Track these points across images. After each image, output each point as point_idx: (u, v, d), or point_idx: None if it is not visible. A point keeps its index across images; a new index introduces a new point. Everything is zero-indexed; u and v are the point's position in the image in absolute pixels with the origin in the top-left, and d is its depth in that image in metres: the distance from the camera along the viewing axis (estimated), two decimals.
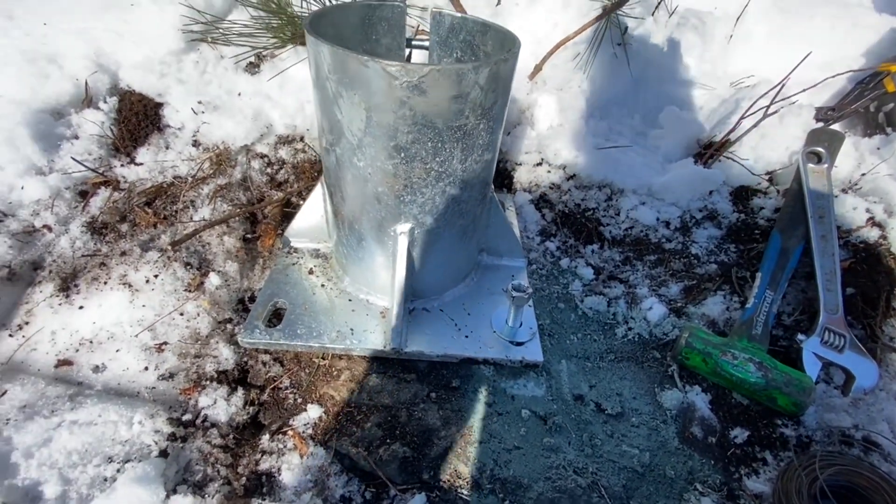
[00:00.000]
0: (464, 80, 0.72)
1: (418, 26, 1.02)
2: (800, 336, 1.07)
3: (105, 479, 0.77)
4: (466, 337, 1.01)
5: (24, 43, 1.16)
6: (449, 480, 0.85)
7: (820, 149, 1.26)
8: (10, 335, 0.97)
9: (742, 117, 1.36)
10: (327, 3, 1.37)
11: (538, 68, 1.50)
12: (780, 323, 1.15)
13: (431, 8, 1.00)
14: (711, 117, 1.54)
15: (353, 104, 0.75)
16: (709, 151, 1.40)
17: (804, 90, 1.41)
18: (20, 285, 1.03)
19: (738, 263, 1.26)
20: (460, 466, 0.86)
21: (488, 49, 0.97)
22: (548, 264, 1.32)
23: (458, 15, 0.98)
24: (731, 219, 1.35)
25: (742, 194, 1.39)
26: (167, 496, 0.75)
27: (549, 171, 1.47)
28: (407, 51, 1.09)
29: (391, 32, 1.03)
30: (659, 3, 1.76)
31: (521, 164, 1.51)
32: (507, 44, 0.89)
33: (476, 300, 1.11)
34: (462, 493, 0.83)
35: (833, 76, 1.50)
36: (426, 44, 1.06)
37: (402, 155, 0.80)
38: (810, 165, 1.24)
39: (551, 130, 1.41)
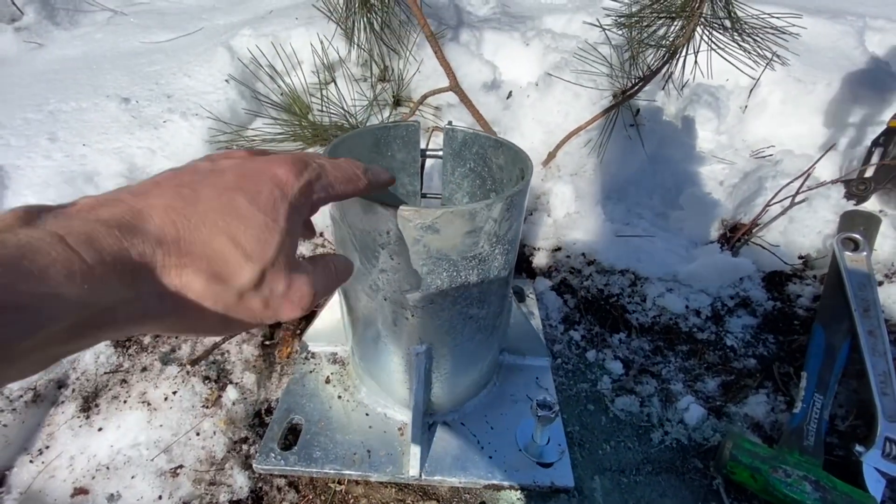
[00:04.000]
0: (477, 217, 0.71)
1: (431, 129, 1.05)
2: (858, 447, 0.97)
3: None
4: (490, 458, 0.96)
5: (63, 164, 1.24)
6: None
7: (856, 235, 1.20)
8: (31, 461, 0.97)
9: (768, 204, 1.32)
10: (343, 109, 1.44)
11: (551, 156, 1.52)
12: (833, 428, 1.06)
13: (444, 125, 1.02)
14: (734, 195, 1.50)
15: (366, 243, 0.76)
16: (735, 235, 1.36)
17: (833, 181, 1.37)
18: (44, 406, 1.04)
19: (779, 357, 1.18)
20: None
21: (500, 162, 0.98)
22: (573, 357, 1.27)
23: (471, 131, 1.00)
24: (766, 307, 1.28)
25: (776, 280, 1.33)
26: None
27: (568, 257, 1.44)
28: (420, 160, 1.11)
29: (406, 148, 1.05)
30: (667, 81, 1.78)
31: (539, 250, 1.49)
32: (518, 161, 0.90)
33: (499, 410, 1.06)
34: None
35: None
36: (440, 154, 1.08)
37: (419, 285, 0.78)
38: (847, 254, 1.18)
39: (567, 218, 1.40)
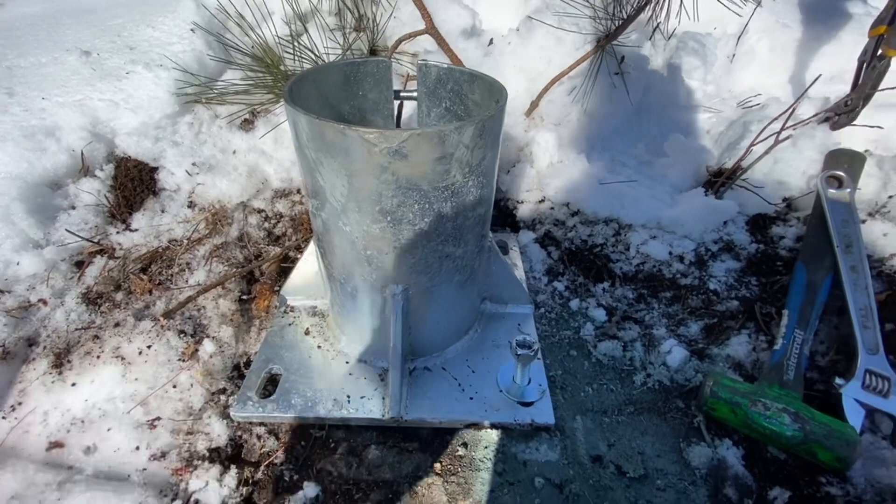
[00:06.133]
0: (447, 141, 0.68)
1: (407, 75, 1.00)
2: (838, 380, 0.98)
3: None
4: (471, 399, 0.95)
5: (22, 118, 1.18)
6: None
7: (840, 172, 1.18)
8: (4, 417, 0.95)
9: (752, 143, 1.29)
10: (318, 62, 1.38)
11: (534, 105, 1.47)
12: (814, 364, 1.06)
13: (418, 60, 0.98)
14: (720, 142, 1.48)
15: (333, 171, 0.72)
16: (720, 180, 1.34)
17: (817, 114, 1.34)
18: (14, 364, 1.01)
19: (761, 298, 1.18)
20: None
21: (476, 98, 0.94)
22: (557, 306, 1.26)
23: (445, 66, 0.96)
24: (749, 250, 1.27)
25: (759, 223, 1.31)
26: None
27: (552, 209, 1.42)
28: (396, 103, 1.07)
29: (378, 87, 1.01)
30: (655, 29, 1.72)
31: (522, 202, 1.46)
32: (494, 93, 0.86)
33: (480, 355, 1.05)
34: None
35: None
36: (414, 94, 1.04)
37: (389, 218, 0.76)
38: (831, 191, 1.17)
39: (551, 168, 1.37)
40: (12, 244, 1.08)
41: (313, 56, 1.37)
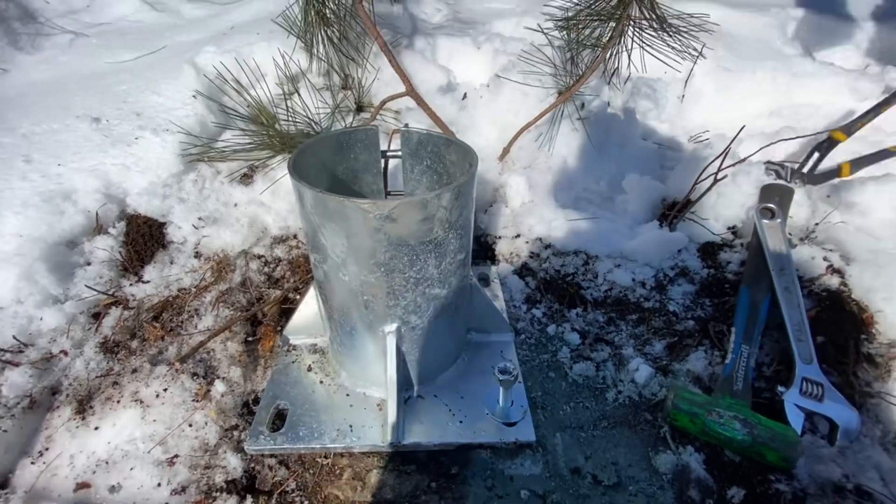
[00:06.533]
0: (429, 206, 0.82)
1: (391, 131, 1.15)
2: (780, 388, 1.12)
3: None
4: (461, 422, 1.06)
5: (40, 184, 1.30)
6: None
7: (772, 205, 1.36)
8: (32, 462, 1.03)
9: (696, 182, 1.47)
10: (311, 122, 1.53)
11: (506, 151, 1.64)
12: (761, 375, 1.20)
13: (401, 126, 1.13)
14: (672, 177, 1.66)
15: (334, 232, 0.86)
16: (672, 213, 1.51)
17: (756, 151, 1.54)
18: (40, 412, 1.10)
19: (714, 318, 1.33)
20: None
21: (453, 158, 1.09)
22: (535, 332, 1.38)
23: (424, 132, 1.11)
24: (702, 274, 1.43)
25: (709, 250, 1.48)
26: None
27: (527, 242, 1.57)
28: (383, 161, 1.22)
29: (367, 150, 1.16)
30: (611, 76, 1.93)
31: (500, 238, 1.61)
32: (467, 156, 1.01)
33: (468, 381, 1.17)
34: None
35: (777, 142, 1.63)
36: (399, 154, 1.19)
37: (383, 269, 0.89)
38: (765, 221, 1.34)
39: (524, 207, 1.53)
40: (34, 301, 1.17)
41: (306, 117, 1.53)
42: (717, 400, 1.10)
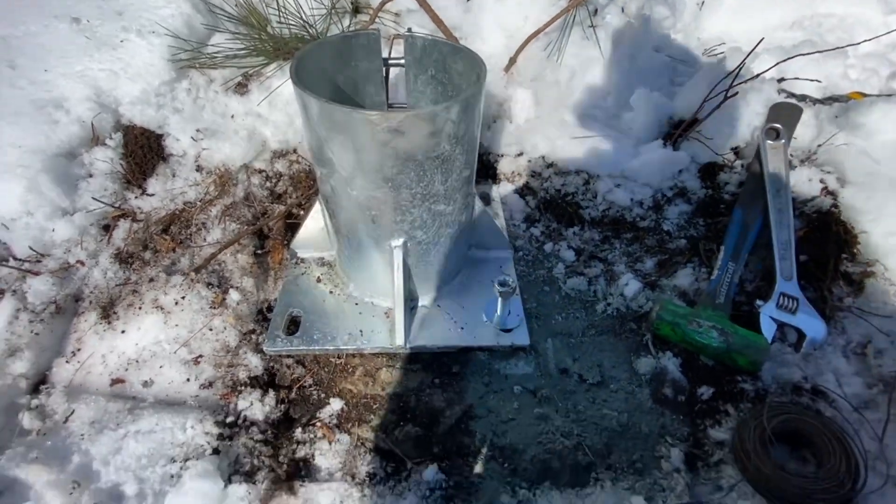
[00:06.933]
0: (437, 119, 0.82)
1: (391, 36, 1.09)
2: (758, 302, 1.20)
3: (172, 476, 0.93)
4: (462, 329, 1.15)
5: (30, 92, 1.25)
6: (455, 451, 1.01)
7: (778, 125, 1.34)
8: (67, 361, 1.12)
9: (705, 99, 1.43)
10: (305, 24, 1.43)
11: (513, 61, 1.56)
12: (742, 290, 1.28)
13: (403, 32, 1.07)
14: (681, 94, 1.61)
15: (341, 145, 0.86)
16: (677, 132, 1.49)
17: (768, 69, 1.47)
18: (67, 317, 1.17)
19: (705, 237, 1.38)
20: (464, 439, 1.02)
21: (459, 68, 1.05)
22: (533, 250, 1.44)
23: (429, 38, 1.06)
24: (699, 195, 1.46)
25: (710, 170, 1.49)
26: (225, 486, 0.91)
27: (529, 161, 1.56)
28: (384, 70, 1.17)
29: (368, 57, 1.11)
30: None
31: (503, 156, 1.60)
32: (475, 66, 0.98)
33: (468, 293, 1.24)
34: (468, 461, 0.99)
35: (793, 57, 1.53)
36: (402, 62, 1.14)
37: (390, 184, 0.91)
38: (769, 142, 1.33)
39: (528, 123, 1.50)
40: (44, 213, 1.19)
41: (300, 17, 1.43)
42: (698, 311, 1.18)
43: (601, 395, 1.12)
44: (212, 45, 1.46)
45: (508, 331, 1.15)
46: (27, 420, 0.99)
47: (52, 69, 1.29)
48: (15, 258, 1.15)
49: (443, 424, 1.04)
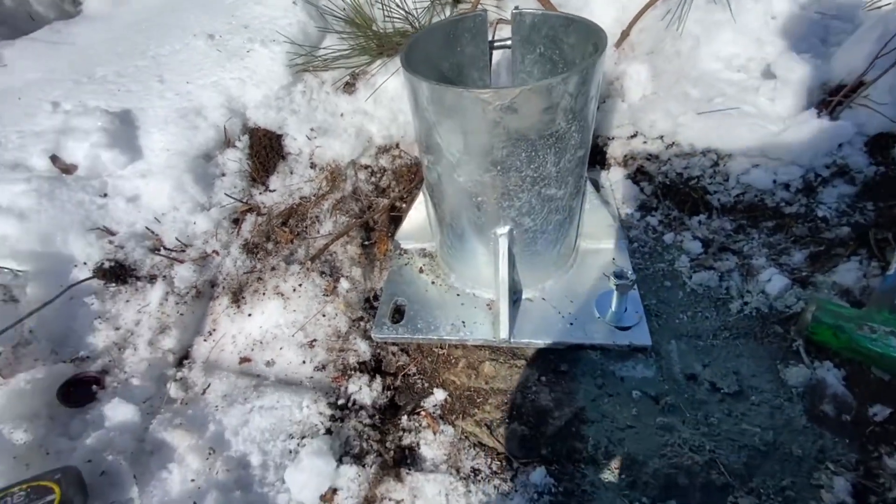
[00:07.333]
0: (553, 92, 0.76)
1: (495, 21, 1.05)
2: None
3: (290, 452, 0.99)
4: (570, 325, 1.07)
5: (175, 102, 1.42)
6: (566, 456, 0.93)
7: None
8: (205, 340, 1.25)
9: (877, 56, 1.17)
10: (408, 17, 1.44)
11: (625, 34, 1.43)
12: None
13: (512, 9, 1.02)
14: (840, 55, 1.33)
15: (451, 130, 0.83)
16: (836, 98, 1.24)
17: None
18: (204, 300, 1.31)
19: (876, 224, 1.13)
20: (576, 444, 0.95)
21: (571, 41, 0.98)
22: (650, 241, 1.30)
23: (539, 12, 1.00)
24: (867, 173, 1.20)
25: (880, 143, 1.21)
26: (337, 465, 0.94)
27: (645, 143, 1.42)
28: (489, 52, 1.13)
29: (474, 41, 1.07)
30: None
31: (613, 139, 1.47)
32: (591, 36, 0.89)
33: (577, 287, 1.15)
34: (579, 468, 0.91)
35: None
36: (509, 43, 1.09)
37: (499, 168, 0.86)
38: None
39: (644, 100, 1.36)
40: (187, 208, 1.34)
41: (403, 10, 1.45)
42: (870, 314, 0.97)
43: (739, 407, 0.97)
44: (323, 48, 1.54)
45: (625, 329, 1.05)
46: (173, 390, 1.11)
47: (193, 81, 1.46)
48: (165, 248, 1.31)
49: (551, 425, 0.97)
